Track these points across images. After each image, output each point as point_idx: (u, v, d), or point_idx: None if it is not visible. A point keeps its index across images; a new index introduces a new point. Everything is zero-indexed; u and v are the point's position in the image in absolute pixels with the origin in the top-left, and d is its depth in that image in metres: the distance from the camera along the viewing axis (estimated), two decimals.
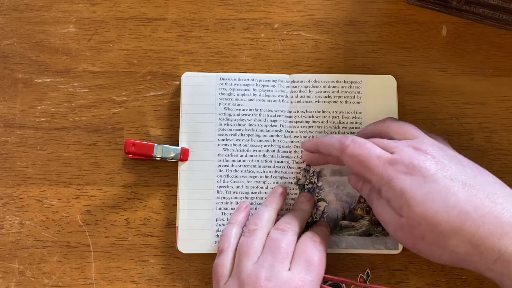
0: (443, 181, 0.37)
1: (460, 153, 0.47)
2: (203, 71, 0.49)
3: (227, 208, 0.46)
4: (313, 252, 0.40)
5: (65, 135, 0.48)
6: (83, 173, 0.47)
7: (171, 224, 0.46)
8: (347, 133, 0.47)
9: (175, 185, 0.47)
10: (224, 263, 0.41)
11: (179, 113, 0.48)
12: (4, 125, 0.48)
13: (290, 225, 0.42)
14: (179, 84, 0.48)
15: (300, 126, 0.47)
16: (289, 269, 0.39)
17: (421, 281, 0.45)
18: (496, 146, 0.48)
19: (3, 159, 0.47)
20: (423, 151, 0.39)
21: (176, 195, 0.46)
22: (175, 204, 0.46)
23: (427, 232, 0.37)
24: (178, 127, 0.47)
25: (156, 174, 0.47)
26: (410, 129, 0.42)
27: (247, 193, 0.46)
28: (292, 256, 0.40)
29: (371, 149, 0.40)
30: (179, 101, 0.48)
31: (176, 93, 0.48)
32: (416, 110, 0.48)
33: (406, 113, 0.48)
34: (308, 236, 0.42)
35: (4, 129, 0.48)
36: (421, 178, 0.37)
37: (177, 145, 0.47)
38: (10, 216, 0.46)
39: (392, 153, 0.39)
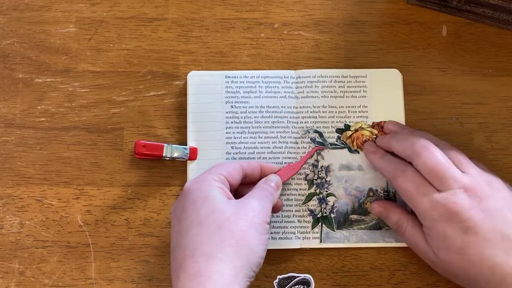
0: (484, 233, 0.38)
1: None
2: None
3: None
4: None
5: (65, 135, 0.48)
6: (83, 173, 0.47)
7: (171, 224, 0.46)
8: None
9: (175, 185, 0.47)
10: None
11: (180, 112, 0.48)
12: (4, 125, 0.48)
13: None
14: (180, 84, 0.49)
15: (307, 122, 0.47)
16: None
17: (421, 281, 0.45)
18: (496, 146, 0.48)
19: (3, 159, 0.47)
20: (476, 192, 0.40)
21: (176, 195, 0.46)
22: None
23: (460, 276, 0.40)
24: (179, 127, 0.48)
25: (156, 174, 0.47)
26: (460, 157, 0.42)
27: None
28: None
29: (449, 166, 0.40)
30: (180, 100, 0.48)
31: (177, 93, 0.48)
32: (416, 110, 0.48)
33: (406, 113, 0.48)
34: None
35: (4, 129, 0.48)
36: (463, 226, 0.39)
37: (183, 144, 0.47)
38: (10, 216, 0.46)
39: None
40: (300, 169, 0.46)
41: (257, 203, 0.40)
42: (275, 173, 0.45)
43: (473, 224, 0.38)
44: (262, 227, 0.39)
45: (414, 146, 0.41)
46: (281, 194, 0.46)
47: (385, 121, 0.47)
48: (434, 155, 0.40)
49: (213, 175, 0.41)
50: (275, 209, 0.44)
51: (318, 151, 0.47)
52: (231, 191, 0.42)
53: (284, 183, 0.46)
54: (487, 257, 0.38)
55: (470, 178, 0.40)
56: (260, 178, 0.44)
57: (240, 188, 0.44)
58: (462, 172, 0.40)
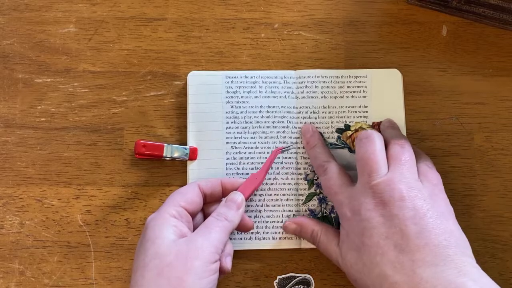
0: (378, 238, 0.37)
1: (460, 153, 0.48)
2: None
3: None
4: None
5: (65, 135, 0.48)
6: (83, 173, 0.47)
7: None
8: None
9: (176, 185, 0.47)
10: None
11: (180, 112, 0.48)
12: (4, 125, 0.48)
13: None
14: (180, 84, 0.49)
15: (307, 122, 0.47)
16: None
17: None
18: (496, 146, 0.48)
19: (3, 159, 0.47)
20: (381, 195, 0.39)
21: None
22: None
23: (358, 280, 0.39)
24: (179, 127, 0.48)
25: (156, 174, 0.47)
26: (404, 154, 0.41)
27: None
28: None
29: (379, 153, 0.41)
30: (180, 100, 0.48)
31: (177, 93, 0.48)
32: (416, 110, 0.48)
33: (406, 113, 0.48)
34: None
35: (4, 129, 0.48)
36: (361, 226, 0.39)
37: (183, 144, 0.47)
38: (10, 216, 0.46)
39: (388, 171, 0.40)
40: (264, 178, 0.45)
41: (203, 240, 0.38)
42: (237, 189, 0.43)
43: (370, 226, 0.38)
44: (204, 269, 0.37)
45: (362, 133, 0.42)
46: (281, 194, 0.46)
47: None
48: (369, 146, 0.41)
49: (171, 208, 0.40)
50: (245, 228, 0.44)
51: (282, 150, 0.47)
52: (195, 214, 0.42)
53: (279, 183, 0.46)
54: (376, 263, 0.37)
55: (386, 180, 0.39)
56: (224, 195, 0.44)
57: (206, 207, 0.44)
58: (389, 171, 0.39)
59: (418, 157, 0.42)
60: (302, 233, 0.44)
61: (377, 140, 0.41)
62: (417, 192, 0.38)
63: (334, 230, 0.43)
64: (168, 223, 0.39)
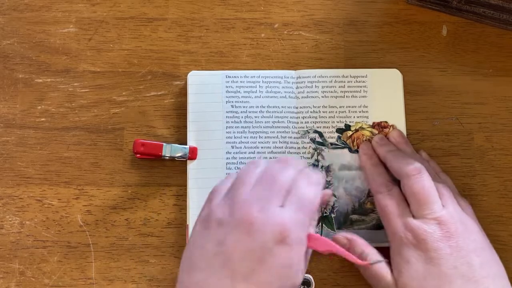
0: (445, 268, 0.38)
1: (460, 153, 0.48)
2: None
3: None
4: (308, 191, 0.39)
5: (65, 135, 0.48)
6: (83, 173, 0.47)
7: (171, 224, 0.46)
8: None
9: (176, 185, 0.47)
10: (225, 185, 0.40)
11: (180, 112, 0.48)
12: (4, 125, 0.48)
13: (293, 163, 0.40)
14: (180, 84, 0.49)
15: (307, 122, 0.47)
16: (281, 205, 0.37)
17: None
18: (496, 146, 0.48)
19: (3, 159, 0.47)
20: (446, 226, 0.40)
21: (176, 195, 0.46)
22: (176, 204, 0.46)
23: None
24: (179, 126, 0.48)
25: (156, 174, 0.47)
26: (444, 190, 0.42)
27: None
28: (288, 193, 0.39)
29: (434, 196, 0.41)
30: (180, 100, 0.48)
31: (177, 93, 0.48)
32: (416, 110, 0.48)
33: (406, 113, 0.48)
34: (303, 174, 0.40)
35: (4, 129, 0.48)
36: (427, 256, 0.39)
37: (183, 144, 0.47)
38: (10, 216, 0.46)
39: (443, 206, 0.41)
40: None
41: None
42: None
43: (438, 256, 0.39)
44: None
45: (408, 166, 0.42)
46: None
47: (386, 121, 0.47)
48: (423, 181, 0.41)
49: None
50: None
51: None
52: None
53: None
54: None
55: (447, 213, 0.40)
56: None
57: None
58: (443, 205, 0.40)
59: (438, 181, 0.43)
60: (351, 249, 0.43)
61: (428, 175, 0.42)
62: (472, 225, 0.41)
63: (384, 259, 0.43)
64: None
